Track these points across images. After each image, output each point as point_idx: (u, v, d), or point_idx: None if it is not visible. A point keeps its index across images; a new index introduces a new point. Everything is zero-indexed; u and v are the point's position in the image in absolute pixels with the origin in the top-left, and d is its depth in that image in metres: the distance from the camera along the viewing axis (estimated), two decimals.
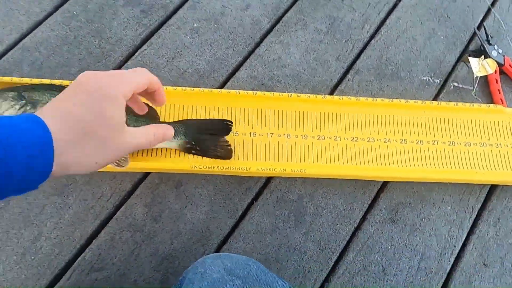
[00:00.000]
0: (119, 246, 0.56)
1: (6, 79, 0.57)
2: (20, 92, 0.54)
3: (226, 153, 0.59)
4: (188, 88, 0.60)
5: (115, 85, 0.35)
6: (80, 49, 0.65)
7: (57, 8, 0.67)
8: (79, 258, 0.55)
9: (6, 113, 0.52)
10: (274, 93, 0.62)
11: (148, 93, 0.43)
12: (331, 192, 0.61)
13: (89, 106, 0.33)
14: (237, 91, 0.61)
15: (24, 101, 0.53)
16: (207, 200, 0.59)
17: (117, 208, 0.57)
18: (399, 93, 0.69)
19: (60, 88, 0.56)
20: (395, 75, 0.70)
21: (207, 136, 0.59)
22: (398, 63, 0.71)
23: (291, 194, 0.61)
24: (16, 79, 0.57)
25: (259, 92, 0.62)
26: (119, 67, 0.65)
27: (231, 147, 0.59)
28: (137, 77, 0.37)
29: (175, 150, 0.59)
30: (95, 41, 0.65)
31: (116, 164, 0.54)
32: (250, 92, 0.61)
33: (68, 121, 0.32)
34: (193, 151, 0.59)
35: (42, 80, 0.57)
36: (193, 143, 0.58)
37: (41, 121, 0.30)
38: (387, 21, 0.74)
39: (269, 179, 0.62)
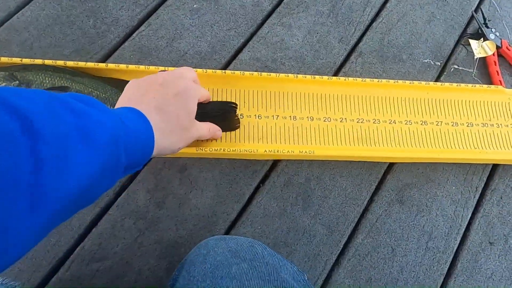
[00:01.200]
0: (121, 234, 0.53)
1: None
2: (11, 72, 0.50)
3: (233, 123, 0.56)
4: (199, 70, 0.58)
5: (195, 89, 0.47)
6: (73, 29, 0.61)
7: None
8: (78, 248, 0.51)
9: None
10: (280, 74, 0.60)
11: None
12: (338, 174, 0.61)
13: (180, 103, 0.44)
14: (241, 72, 0.59)
15: (17, 82, 0.49)
16: (213, 185, 0.57)
17: (118, 194, 0.54)
18: (401, 75, 0.69)
19: (55, 68, 0.53)
20: (397, 58, 0.70)
21: (211, 120, 0.57)
22: (400, 46, 0.71)
23: (299, 177, 0.59)
24: (4, 59, 0.53)
25: (264, 73, 0.60)
26: (115, 48, 0.62)
27: (238, 118, 0.57)
28: (205, 91, 0.51)
29: None
30: (89, 21, 0.62)
31: None
32: (255, 73, 0.59)
33: (165, 114, 0.41)
34: None
35: (35, 60, 0.53)
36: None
37: (145, 117, 0.39)
38: (387, 4, 0.74)
39: (275, 162, 0.60)
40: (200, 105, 0.59)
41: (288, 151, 0.57)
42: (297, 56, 0.66)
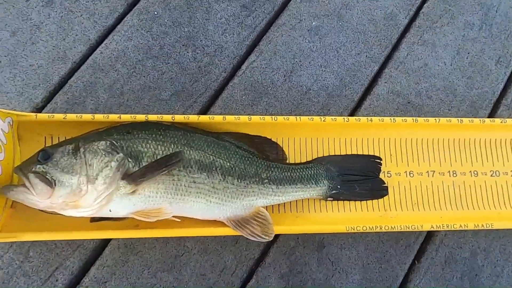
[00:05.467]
0: None
1: (71, 116, 0.41)
2: (113, 141, 0.38)
3: (380, 191, 0.45)
4: (318, 118, 0.44)
5: None
6: (169, 64, 0.48)
7: (131, 6, 0.49)
8: None
9: (101, 175, 0.36)
10: (430, 119, 0.46)
11: None
12: (509, 244, 0.48)
13: None
14: (381, 118, 0.45)
15: (121, 155, 0.37)
16: (359, 265, 0.45)
17: (245, 282, 0.44)
18: None
19: (166, 127, 0.40)
20: None
21: (353, 178, 0.45)
22: None
23: (462, 251, 0.47)
24: (72, 116, 0.40)
25: (409, 119, 0.46)
26: (223, 86, 0.48)
27: (386, 185, 0.45)
28: None
29: (314, 200, 0.45)
30: (187, 52, 0.49)
31: (258, 236, 0.39)
32: (398, 119, 0.45)
33: None
34: (341, 198, 0.44)
35: (136, 116, 0.41)
36: (338, 186, 0.44)
37: None
38: None
39: (431, 232, 0.47)
40: (337, 162, 0.46)
41: (459, 225, 0.44)
42: (446, 86, 0.52)
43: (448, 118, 0.46)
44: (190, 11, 0.50)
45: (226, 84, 0.48)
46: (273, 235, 0.39)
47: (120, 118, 0.41)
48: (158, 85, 0.47)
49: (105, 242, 0.42)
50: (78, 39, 0.47)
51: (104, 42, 0.48)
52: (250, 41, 0.50)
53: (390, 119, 0.45)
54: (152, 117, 0.41)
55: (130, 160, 0.37)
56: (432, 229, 0.43)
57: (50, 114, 0.40)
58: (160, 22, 0.49)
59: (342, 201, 0.45)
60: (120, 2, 0.49)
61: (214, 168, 0.40)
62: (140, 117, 0.41)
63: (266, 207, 0.42)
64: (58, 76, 0.46)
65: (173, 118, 0.42)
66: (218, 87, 0.48)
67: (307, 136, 0.46)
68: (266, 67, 0.49)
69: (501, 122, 0.47)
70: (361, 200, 0.45)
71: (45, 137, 0.43)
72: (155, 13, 0.49)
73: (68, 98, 0.45)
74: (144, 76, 0.47)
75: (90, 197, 0.36)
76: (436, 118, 0.46)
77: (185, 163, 0.39)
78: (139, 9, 0.49)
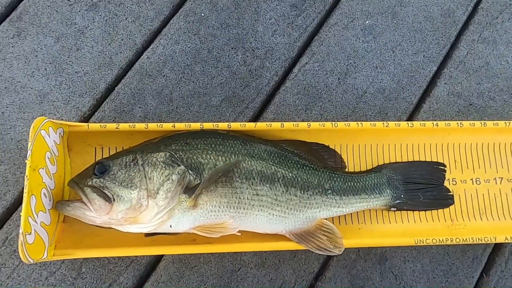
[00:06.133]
0: None
1: (124, 126, 0.38)
2: (172, 152, 0.36)
3: (446, 199, 0.42)
4: (380, 123, 0.41)
5: None
6: (218, 68, 0.46)
7: (176, 8, 0.47)
8: None
9: (163, 189, 0.34)
10: (499, 122, 0.43)
11: None
12: None
13: None
14: (447, 123, 0.42)
15: (182, 167, 0.35)
16: (424, 279, 0.42)
17: None
18: None
19: (224, 137, 0.38)
20: None
21: (417, 186, 0.42)
22: None
23: None
24: (124, 126, 0.38)
25: (477, 122, 0.43)
26: (274, 90, 0.46)
27: (451, 193, 0.42)
28: None
29: (376, 210, 0.42)
30: (237, 55, 0.46)
31: (326, 250, 0.37)
32: (465, 123, 0.42)
33: None
34: (405, 208, 0.42)
35: (191, 124, 0.39)
36: (402, 195, 0.41)
37: None
38: None
39: (499, 243, 0.45)
40: (400, 170, 0.44)
41: None
42: (509, 86, 0.48)
43: (507, 122, 0.43)
44: (238, 12, 0.47)
45: (278, 88, 0.46)
46: (343, 248, 0.37)
47: (174, 127, 0.39)
48: (208, 90, 0.45)
49: (159, 257, 0.41)
50: (124, 43, 0.45)
51: (151, 46, 0.45)
52: (302, 42, 0.47)
53: (457, 123, 0.42)
54: (208, 125, 0.39)
55: (191, 172, 0.35)
56: (506, 241, 0.40)
57: (102, 124, 0.38)
58: (207, 24, 0.47)
59: (406, 211, 0.43)
60: (166, 4, 0.47)
61: (276, 179, 0.37)
62: (195, 126, 0.39)
63: (327, 219, 0.40)
64: (105, 83, 0.44)
65: (229, 126, 0.40)
66: (270, 91, 0.46)
67: (366, 142, 0.44)
68: (319, 69, 0.47)
69: None
70: (425, 210, 0.43)
71: (95, 148, 0.41)
72: (202, 14, 0.47)
73: (115, 105, 0.43)
74: (193, 82, 0.45)
75: (150, 212, 0.34)
76: (506, 122, 0.43)
77: (247, 174, 0.36)
78: (185, 11, 0.47)
